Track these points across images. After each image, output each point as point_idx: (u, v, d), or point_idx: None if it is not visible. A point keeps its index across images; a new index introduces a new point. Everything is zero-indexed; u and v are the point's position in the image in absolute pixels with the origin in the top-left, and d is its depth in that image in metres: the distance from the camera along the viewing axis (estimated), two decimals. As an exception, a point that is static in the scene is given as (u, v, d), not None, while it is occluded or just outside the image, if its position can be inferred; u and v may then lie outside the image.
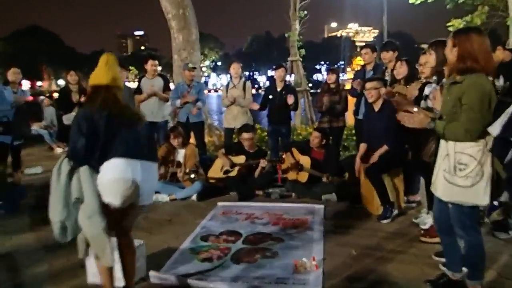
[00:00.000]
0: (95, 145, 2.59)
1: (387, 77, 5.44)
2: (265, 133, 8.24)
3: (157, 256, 3.66)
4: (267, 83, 62.55)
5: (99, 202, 2.58)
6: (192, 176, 5.69)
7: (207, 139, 8.57)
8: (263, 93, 7.20)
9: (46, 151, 10.19)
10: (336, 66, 65.30)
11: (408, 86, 4.69)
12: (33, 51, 65.70)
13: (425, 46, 4.42)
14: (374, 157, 4.89)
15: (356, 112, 6.23)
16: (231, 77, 7.12)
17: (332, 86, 6.58)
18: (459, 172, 2.62)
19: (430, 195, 3.60)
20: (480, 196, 2.60)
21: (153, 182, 2.91)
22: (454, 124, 2.62)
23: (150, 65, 6.94)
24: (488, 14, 7.89)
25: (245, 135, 6.15)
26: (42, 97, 13.03)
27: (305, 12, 12.40)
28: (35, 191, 5.99)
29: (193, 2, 9.64)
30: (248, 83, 7.07)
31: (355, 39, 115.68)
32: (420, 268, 3.36)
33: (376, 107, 4.99)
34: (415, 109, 3.48)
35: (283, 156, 6.15)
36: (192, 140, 6.92)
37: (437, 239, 3.42)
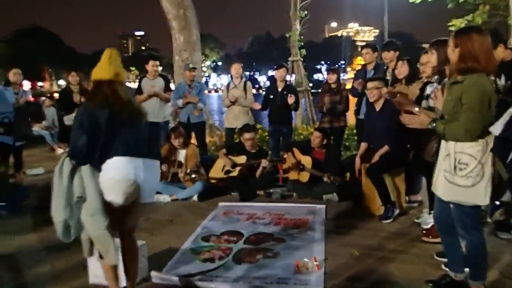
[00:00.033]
0: (97, 144, 2.59)
1: (388, 77, 5.44)
2: (266, 133, 8.23)
3: (159, 257, 3.66)
4: (268, 83, 62.58)
5: (102, 200, 2.58)
6: (193, 176, 5.70)
7: (208, 139, 8.58)
8: (263, 93, 7.20)
9: (48, 152, 10.19)
10: (337, 66, 65.20)
11: (409, 86, 4.69)
12: (33, 52, 65.66)
13: (426, 45, 4.42)
14: (375, 157, 4.88)
15: (357, 112, 6.22)
16: (231, 77, 7.12)
17: (333, 86, 6.57)
18: (460, 172, 2.62)
19: (431, 195, 3.59)
20: (481, 196, 2.59)
21: (155, 179, 2.91)
22: (454, 124, 2.62)
23: (151, 65, 6.94)
24: (489, 14, 7.88)
25: (247, 135, 6.15)
26: (43, 98, 13.01)
27: (306, 12, 12.40)
28: (37, 192, 5.99)
29: (194, 2, 9.66)
30: (249, 83, 7.07)
31: (355, 39, 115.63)
32: (421, 268, 3.35)
33: (377, 107, 4.98)
34: (417, 109, 3.48)
35: (284, 156, 6.15)
36: (193, 140, 6.93)
37: (438, 239, 3.41)
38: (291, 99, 6.40)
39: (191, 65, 7.13)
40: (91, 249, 2.71)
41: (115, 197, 2.61)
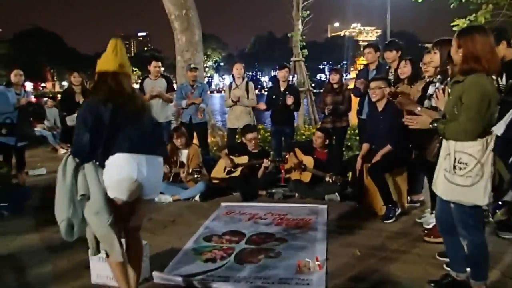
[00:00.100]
0: (100, 140, 2.56)
1: (391, 77, 5.44)
2: (268, 134, 8.24)
3: (161, 257, 3.66)
4: (270, 83, 62.59)
5: (106, 198, 2.56)
6: (195, 176, 5.70)
7: (210, 139, 8.59)
8: (266, 93, 7.20)
9: (50, 152, 10.22)
10: (339, 66, 65.18)
11: (412, 85, 4.68)
12: (35, 53, 65.93)
13: (428, 45, 4.40)
14: (377, 156, 4.88)
15: (359, 112, 6.21)
16: (233, 77, 7.12)
17: (335, 86, 6.56)
18: (459, 171, 2.61)
19: (433, 195, 3.59)
20: (480, 196, 2.59)
21: (158, 176, 2.86)
22: (454, 124, 2.62)
23: (153, 66, 6.94)
24: (492, 13, 7.84)
25: (250, 135, 6.15)
26: (45, 98, 13.05)
27: (308, 12, 12.38)
28: (39, 192, 6.01)
29: (196, 3, 9.67)
30: (251, 84, 7.07)
31: (358, 39, 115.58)
32: (423, 268, 3.35)
33: (380, 107, 4.98)
34: (419, 109, 3.47)
35: (286, 156, 6.15)
36: (195, 140, 6.93)
37: (440, 239, 3.40)
38: (290, 100, 6.41)
39: (192, 65, 7.14)
40: (97, 247, 2.71)
41: (119, 194, 2.60)
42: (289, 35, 12.48)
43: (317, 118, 11.39)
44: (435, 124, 2.77)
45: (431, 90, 3.86)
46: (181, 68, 9.31)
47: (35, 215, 4.96)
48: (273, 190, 5.85)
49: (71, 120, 7.00)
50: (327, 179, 5.49)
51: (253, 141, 6.15)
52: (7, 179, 5.74)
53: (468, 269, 2.88)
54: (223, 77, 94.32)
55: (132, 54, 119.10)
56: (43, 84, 77.42)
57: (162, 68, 7.51)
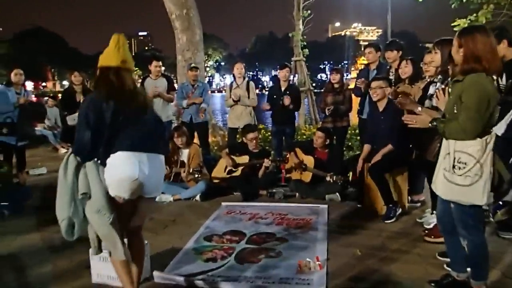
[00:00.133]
0: (101, 138, 2.54)
1: (391, 77, 5.43)
2: (269, 134, 8.23)
3: (161, 256, 3.66)
4: (271, 83, 62.55)
5: (107, 196, 2.55)
6: (196, 176, 5.70)
7: (211, 139, 8.59)
8: (266, 93, 7.20)
9: (51, 151, 10.22)
10: (340, 65, 65.15)
11: (413, 85, 4.68)
12: (36, 53, 65.97)
13: (429, 45, 4.41)
14: (378, 156, 4.87)
15: (360, 112, 6.21)
16: (234, 77, 7.12)
17: (336, 86, 6.54)
18: (458, 171, 2.61)
19: (434, 195, 3.59)
20: (479, 195, 2.58)
21: (160, 174, 2.84)
22: (453, 123, 2.62)
23: (154, 65, 6.95)
24: (493, 13, 7.83)
25: (250, 135, 6.14)
26: (46, 98, 13.05)
27: (309, 11, 12.37)
28: (40, 191, 6.01)
29: (197, 2, 9.66)
30: (252, 83, 7.06)
31: (359, 39, 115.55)
32: (424, 268, 3.34)
33: (381, 107, 4.97)
34: (419, 109, 3.47)
35: (287, 156, 6.15)
36: (196, 140, 6.93)
37: (441, 239, 3.40)
38: (287, 100, 6.42)
39: (193, 65, 7.15)
40: (99, 247, 2.71)
41: (120, 192, 2.58)
42: (290, 34, 12.47)
43: (317, 118, 11.38)
44: (435, 123, 2.77)
45: (431, 90, 3.86)
46: (182, 67, 9.32)
47: (35, 215, 4.96)
48: (274, 190, 5.84)
49: (71, 119, 7.01)
50: (328, 179, 5.49)
51: (254, 141, 6.15)
52: (8, 178, 5.74)
53: (469, 269, 2.87)
54: (224, 76, 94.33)
55: (133, 54, 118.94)
56: (43, 84, 77.49)
57: (163, 68, 7.51)
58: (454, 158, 2.63)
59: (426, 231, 4.03)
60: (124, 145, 2.57)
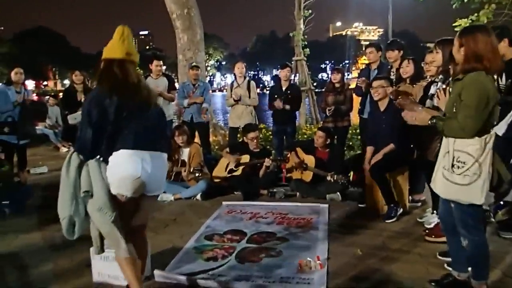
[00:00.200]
0: (104, 136, 2.53)
1: (392, 76, 5.43)
2: (270, 133, 8.23)
3: (162, 255, 3.67)
4: (272, 82, 62.57)
5: (109, 194, 2.54)
6: (197, 175, 5.70)
7: (212, 138, 8.59)
8: (267, 92, 7.20)
9: (52, 150, 10.24)
10: (341, 65, 65.12)
11: (414, 85, 4.68)
12: (37, 52, 65.98)
13: (430, 45, 4.41)
14: (379, 155, 4.87)
15: (361, 111, 6.21)
16: (235, 76, 7.13)
17: (337, 85, 6.55)
18: (457, 170, 2.61)
19: (435, 195, 3.59)
20: (477, 195, 2.58)
21: (162, 172, 2.83)
22: (453, 121, 2.62)
23: (155, 65, 6.96)
24: (494, 13, 7.82)
25: (251, 135, 6.15)
26: (47, 97, 13.06)
27: (310, 11, 12.36)
28: (41, 190, 6.03)
29: (198, 2, 9.66)
30: (253, 83, 7.07)
31: (360, 38, 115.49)
32: (425, 268, 3.34)
33: (382, 106, 4.97)
34: (420, 109, 3.47)
35: (288, 156, 6.15)
36: (197, 139, 6.93)
37: (442, 239, 3.41)
38: (278, 104, 6.43)
39: (194, 64, 7.16)
40: (101, 246, 2.70)
41: (122, 190, 2.58)
42: (291, 34, 12.46)
43: (318, 117, 11.38)
44: (434, 121, 2.77)
45: (433, 90, 3.85)
46: (182, 67, 9.32)
47: (36, 214, 4.97)
48: (275, 189, 5.85)
49: (72, 118, 7.02)
50: (329, 178, 5.49)
51: (255, 140, 6.15)
52: (9, 177, 5.74)
53: (469, 269, 2.87)
54: (225, 76, 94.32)
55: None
56: (45, 83, 77.54)
57: (164, 67, 7.51)
58: (454, 157, 2.63)
59: (427, 231, 4.03)
60: (127, 143, 2.56)
